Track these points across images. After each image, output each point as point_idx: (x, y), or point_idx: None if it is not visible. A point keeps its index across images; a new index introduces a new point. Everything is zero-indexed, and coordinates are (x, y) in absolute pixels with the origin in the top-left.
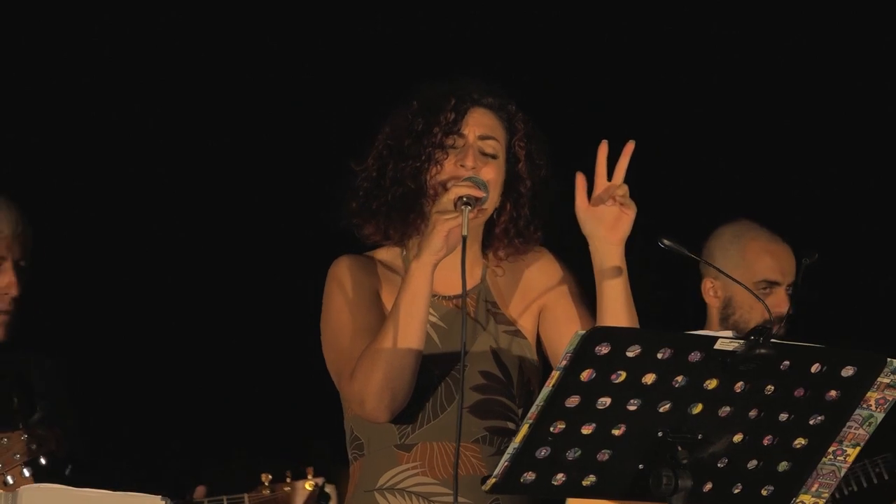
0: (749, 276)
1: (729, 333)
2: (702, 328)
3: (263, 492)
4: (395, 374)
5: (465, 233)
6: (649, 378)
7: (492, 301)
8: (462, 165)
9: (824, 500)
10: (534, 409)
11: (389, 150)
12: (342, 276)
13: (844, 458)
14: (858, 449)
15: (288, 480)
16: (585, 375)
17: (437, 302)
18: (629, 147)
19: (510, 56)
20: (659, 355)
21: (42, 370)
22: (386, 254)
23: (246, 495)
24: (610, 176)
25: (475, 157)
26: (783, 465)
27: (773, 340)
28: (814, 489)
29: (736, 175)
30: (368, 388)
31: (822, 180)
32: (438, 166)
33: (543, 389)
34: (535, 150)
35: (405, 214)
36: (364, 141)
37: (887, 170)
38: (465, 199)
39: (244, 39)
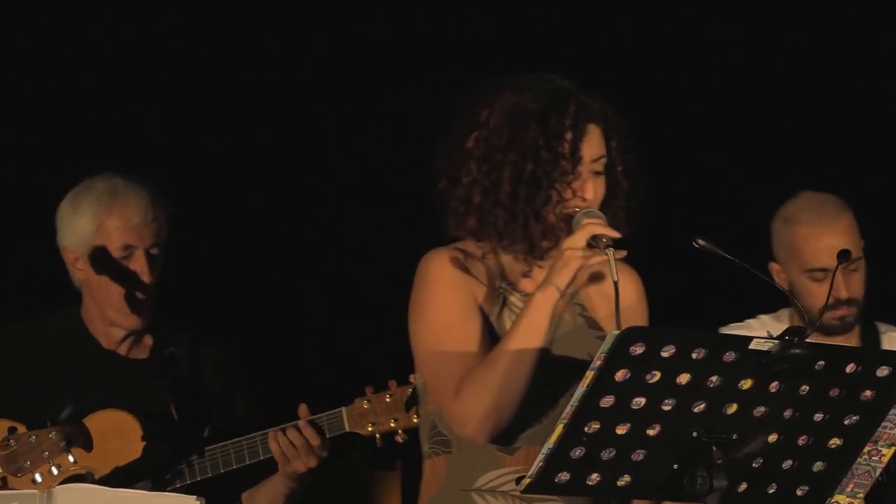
0: (800, 265)
1: (764, 333)
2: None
3: (364, 404)
4: (504, 402)
5: (615, 278)
6: (684, 378)
7: (581, 304)
8: (582, 198)
9: (859, 501)
10: (568, 409)
11: (513, 173)
12: (441, 275)
13: (879, 458)
14: (894, 449)
15: (392, 388)
16: (620, 375)
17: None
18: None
19: (509, 55)
20: (693, 355)
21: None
22: (471, 245)
23: (343, 409)
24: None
25: (593, 186)
26: (818, 466)
27: (807, 341)
28: (849, 489)
29: (735, 174)
30: (474, 412)
31: (823, 180)
32: (560, 197)
33: (578, 389)
34: (628, 147)
35: (531, 240)
36: (359, 137)
37: (887, 170)
38: (606, 240)
39: (243, 39)
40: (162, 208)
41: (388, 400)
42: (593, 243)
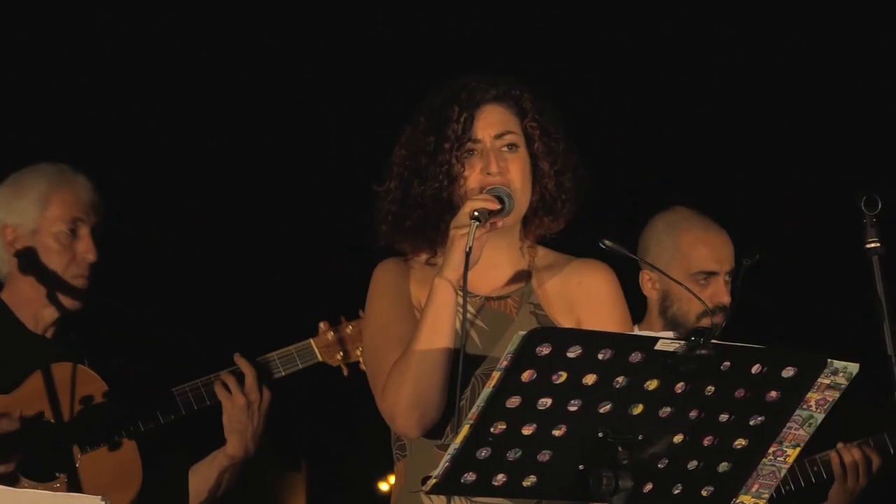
0: (685, 268)
1: (670, 334)
2: (641, 321)
3: (328, 335)
4: (423, 391)
5: (468, 248)
6: (590, 379)
7: (536, 303)
8: (488, 173)
9: (764, 501)
10: (474, 410)
11: (409, 171)
12: (381, 282)
13: (784, 459)
14: (798, 450)
15: (343, 321)
16: (526, 376)
17: (478, 302)
18: None
19: (497, 56)
20: (600, 356)
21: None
22: (426, 254)
23: (311, 340)
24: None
25: (497, 159)
26: (723, 466)
27: (713, 341)
28: (754, 489)
29: (683, 173)
30: (398, 405)
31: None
32: (462, 179)
33: (484, 390)
34: (549, 125)
35: (434, 233)
36: (368, 149)
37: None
38: (475, 212)
39: (243, 40)
40: (100, 193)
41: (349, 331)
42: (478, 216)
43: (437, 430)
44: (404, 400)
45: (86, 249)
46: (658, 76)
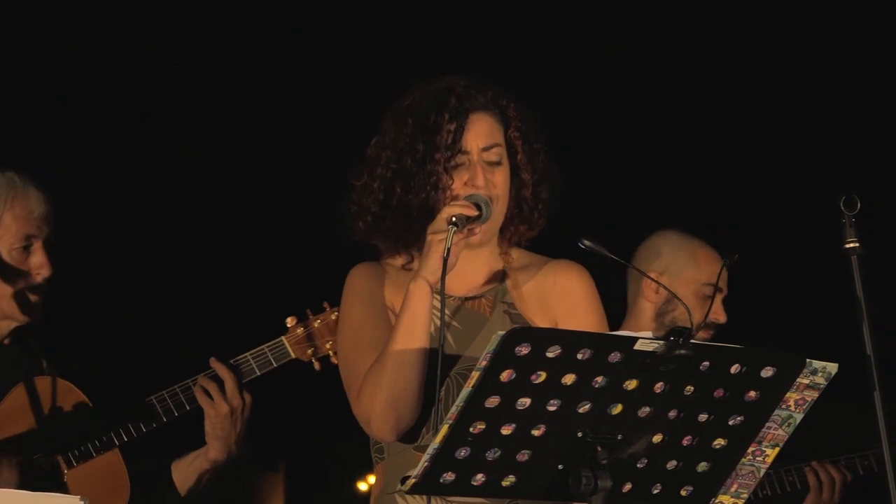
0: (699, 277)
1: (648, 334)
2: (624, 321)
3: (298, 331)
4: (399, 395)
5: (445, 255)
6: (569, 378)
7: (510, 303)
8: (473, 185)
9: (743, 501)
10: (453, 410)
11: (394, 174)
12: (355, 286)
13: (763, 459)
14: (777, 449)
15: (311, 315)
16: (505, 376)
17: (453, 303)
18: None
19: (479, 56)
20: (579, 356)
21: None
22: (402, 258)
23: (283, 338)
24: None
25: (484, 172)
26: (703, 466)
27: (692, 341)
28: (733, 489)
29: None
30: (373, 409)
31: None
32: (449, 191)
33: (463, 390)
34: (532, 136)
35: (415, 240)
36: (353, 146)
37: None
38: (453, 218)
39: (234, 39)
40: (53, 204)
41: (317, 325)
42: (456, 222)
43: (412, 433)
44: (380, 404)
45: (40, 265)
46: (638, 76)
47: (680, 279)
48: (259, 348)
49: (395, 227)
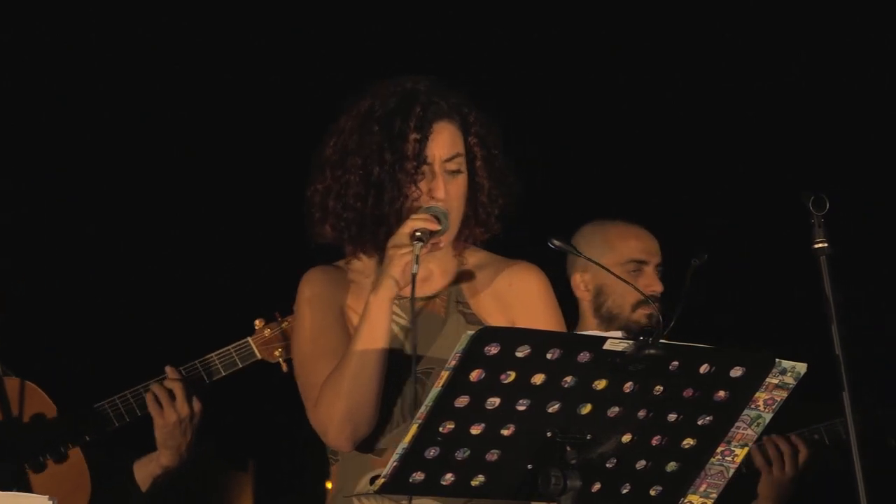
0: (615, 259)
1: (618, 334)
2: (576, 325)
3: (265, 332)
4: (356, 407)
5: (415, 270)
6: (538, 378)
7: (463, 301)
8: (433, 197)
9: (712, 501)
10: (423, 409)
11: (361, 179)
12: (310, 292)
13: (733, 459)
14: (746, 449)
15: (279, 317)
16: (475, 375)
17: (405, 304)
18: None
19: (480, 56)
20: (548, 355)
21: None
22: (361, 262)
23: (249, 339)
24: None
25: (445, 183)
26: (672, 466)
27: (662, 341)
28: (702, 489)
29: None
30: (331, 420)
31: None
32: (415, 200)
33: (433, 389)
34: (490, 142)
35: (384, 240)
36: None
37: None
38: (418, 233)
39: (208, 38)
40: None
41: (285, 326)
42: (421, 237)
43: (367, 441)
44: (338, 414)
45: None
46: (604, 73)
47: (601, 269)
48: (225, 349)
49: (369, 232)
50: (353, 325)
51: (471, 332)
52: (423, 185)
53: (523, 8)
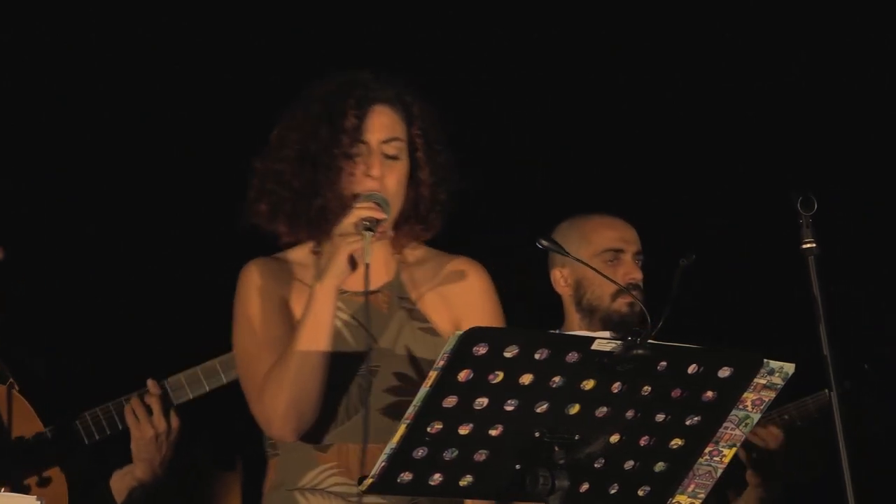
0: (591, 251)
1: (606, 334)
2: (562, 324)
3: None
4: (301, 397)
5: (367, 260)
6: (527, 378)
7: (405, 297)
8: (368, 175)
9: (700, 501)
10: (411, 410)
11: (298, 154)
12: (250, 285)
13: (721, 459)
14: (735, 450)
15: None
16: (463, 376)
17: (347, 298)
18: None
19: (480, 56)
20: (536, 356)
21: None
22: (299, 253)
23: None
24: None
25: (380, 164)
26: (660, 466)
27: (650, 341)
28: (690, 489)
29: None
30: (274, 411)
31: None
32: (351, 177)
33: (421, 389)
34: (434, 136)
35: (321, 221)
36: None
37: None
38: (366, 222)
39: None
40: None
41: None
42: (370, 227)
43: (311, 437)
44: (282, 405)
45: None
46: (604, 73)
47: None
48: (193, 370)
49: (303, 210)
50: (295, 316)
51: (459, 332)
52: (359, 164)
53: (523, 8)
